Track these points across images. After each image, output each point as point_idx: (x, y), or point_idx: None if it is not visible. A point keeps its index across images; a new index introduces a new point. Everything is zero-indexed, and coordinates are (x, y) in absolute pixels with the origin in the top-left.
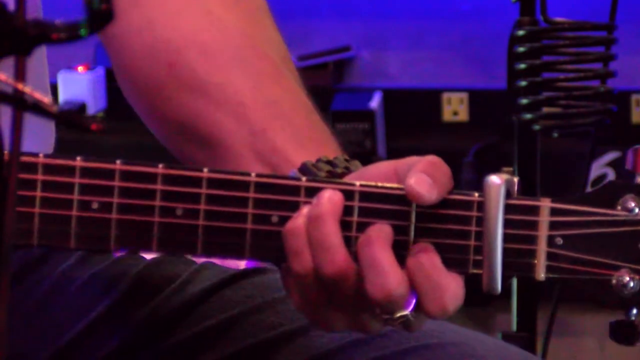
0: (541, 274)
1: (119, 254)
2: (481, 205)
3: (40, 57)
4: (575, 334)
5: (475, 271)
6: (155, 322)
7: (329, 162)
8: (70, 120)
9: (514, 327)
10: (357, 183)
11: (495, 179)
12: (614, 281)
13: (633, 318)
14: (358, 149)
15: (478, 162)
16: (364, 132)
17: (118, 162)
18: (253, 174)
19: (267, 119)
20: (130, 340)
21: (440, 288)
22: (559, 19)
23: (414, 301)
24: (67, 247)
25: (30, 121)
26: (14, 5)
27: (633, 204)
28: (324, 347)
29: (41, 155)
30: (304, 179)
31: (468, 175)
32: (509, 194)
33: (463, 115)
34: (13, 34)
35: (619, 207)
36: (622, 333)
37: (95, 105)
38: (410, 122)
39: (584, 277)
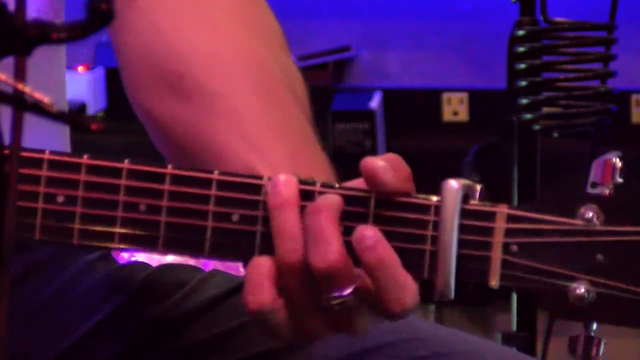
0: (495, 281)
1: (123, 261)
2: (438, 209)
3: (59, 59)
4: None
5: (429, 276)
6: (161, 327)
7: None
8: (70, 120)
9: (514, 327)
10: (318, 184)
11: (452, 183)
12: (570, 292)
13: (592, 334)
14: (358, 149)
15: (478, 162)
16: (364, 132)
17: (85, 156)
18: (216, 172)
19: (262, 134)
20: (135, 345)
21: (402, 286)
22: (559, 19)
23: (354, 286)
24: (32, 239)
25: (44, 124)
26: (14, 5)
27: (591, 214)
28: (332, 356)
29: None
30: (318, 185)
31: (468, 175)
32: (467, 199)
33: (463, 115)
34: (13, 34)
35: (578, 217)
36: (583, 349)
37: (95, 105)
38: (410, 122)
39: (538, 286)
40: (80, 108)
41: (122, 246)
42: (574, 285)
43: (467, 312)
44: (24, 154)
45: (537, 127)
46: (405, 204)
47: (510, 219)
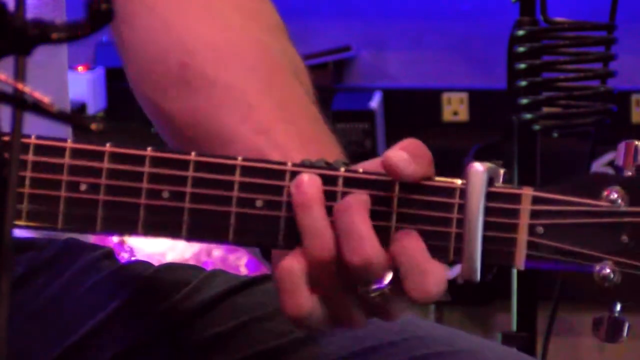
0: (521, 263)
1: (127, 260)
2: (463, 193)
3: (61, 58)
4: (575, 334)
5: (455, 259)
6: (164, 326)
7: (327, 164)
8: (70, 120)
9: (514, 327)
10: (342, 169)
11: (478, 166)
12: (595, 273)
13: (617, 314)
14: (358, 149)
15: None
16: (364, 132)
17: (108, 144)
18: (240, 158)
19: (272, 120)
20: (139, 343)
21: (424, 272)
22: (559, 19)
23: (390, 275)
24: (54, 228)
25: (44, 123)
26: (14, 5)
27: (616, 195)
28: (334, 355)
29: (33, 136)
30: (342, 169)
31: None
32: (492, 183)
33: (463, 115)
34: (13, 34)
35: (603, 198)
36: (606, 330)
37: (95, 105)
38: (410, 122)
39: (564, 267)
40: (80, 108)
41: (145, 234)
42: (599, 266)
43: (467, 312)
44: (47, 142)
45: (537, 127)
46: (429, 187)
47: (536, 200)
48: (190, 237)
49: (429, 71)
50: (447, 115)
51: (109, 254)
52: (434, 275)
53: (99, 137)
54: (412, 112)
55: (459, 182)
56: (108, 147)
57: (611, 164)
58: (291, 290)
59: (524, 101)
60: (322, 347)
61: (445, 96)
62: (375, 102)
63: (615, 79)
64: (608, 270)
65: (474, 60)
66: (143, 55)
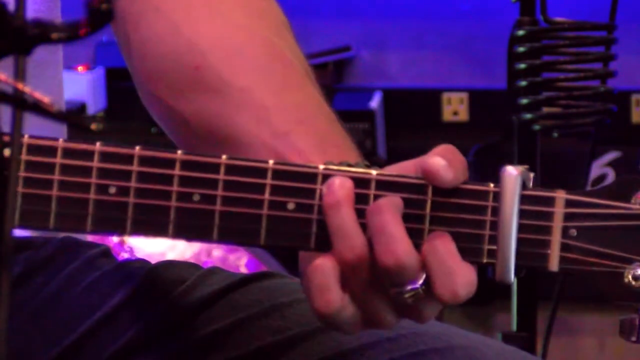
0: (555, 265)
1: (124, 258)
2: (497, 196)
3: (56, 59)
4: (575, 333)
5: (489, 261)
6: (162, 323)
7: (349, 166)
8: (70, 120)
9: (514, 327)
10: (374, 172)
11: (512, 170)
12: (626, 274)
13: None
14: (358, 149)
15: (478, 162)
16: (364, 132)
17: (137, 147)
18: (271, 162)
19: (291, 123)
20: (137, 341)
21: (453, 273)
22: (559, 19)
23: (423, 276)
24: (83, 230)
25: (40, 124)
26: (14, 5)
27: None
28: (331, 351)
29: (61, 140)
30: (374, 172)
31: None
32: (524, 186)
33: (463, 115)
34: (13, 34)
35: (634, 201)
36: (638, 330)
37: (95, 105)
38: (410, 122)
39: (596, 269)
40: (80, 108)
41: (176, 237)
42: (631, 267)
43: (467, 312)
44: (76, 145)
45: (537, 127)
46: (462, 190)
47: (569, 203)
48: (221, 239)
49: (429, 71)
50: (447, 115)
51: (107, 252)
52: (462, 277)
53: (99, 137)
54: (412, 112)
55: (492, 185)
56: (137, 151)
57: (611, 164)
58: (321, 287)
59: (524, 101)
60: (319, 343)
61: (445, 96)
62: (375, 102)
63: (615, 79)
64: None
65: (474, 60)
66: (153, 54)
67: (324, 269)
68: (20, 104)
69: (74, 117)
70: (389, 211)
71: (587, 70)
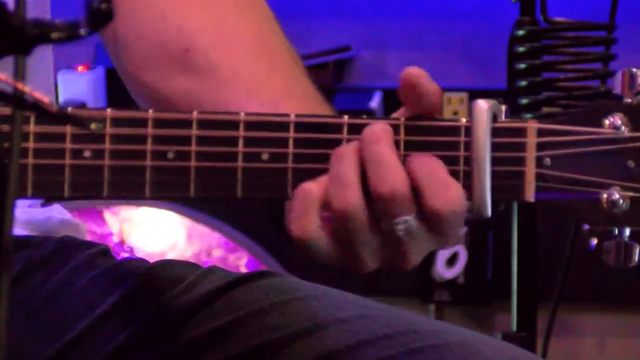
0: (531, 196)
1: (123, 256)
2: (469, 130)
3: (46, 59)
4: (575, 334)
5: (465, 196)
6: (160, 321)
7: None
8: (70, 120)
9: (514, 327)
10: (345, 117)
11: (482, 103)
12: (603, 199)
13: (627, 239)
14: None
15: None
16: None
17: (109, 110)
18: (242, 114)
19: (282, 97)
20: (135, 339)
21: (445, 183)
22: (559, 19)
23: (415, 210)
24: (61, 197)
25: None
26: (14, 5)
27: (620, 122)
28: (329, 348)
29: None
30: (346, 117)
31: None
32: (496, 119)
33: (463, 115)
34: (13, 34)
35: (607, 126)
36: (616, 254)
37: (95, 105)
38: None
39: (573, 196)
40: (80, 108)
41: (153, 197)
42: (607, 192)
43: (467, 312)
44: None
45: None
46: (434, 127)
47: (541, 133)
48: (198, 195)
49: (429, 71)
50: (447, 115)
51: (105, 251)
52: (455, 188)
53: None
54: None
55: (463, 120)
56: (108, 112)
57: None
58: (301, 212)
59: (524, 101)
60: (318, 340)
61: (445, 96)
62: (375, 102)
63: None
64: (617, 196)
65: (474, 60)
66: (142, 43)
67: (307, 195)
68: (20, 104)
69: (74, 116)
70: (383, 139)
71: (587, 70)
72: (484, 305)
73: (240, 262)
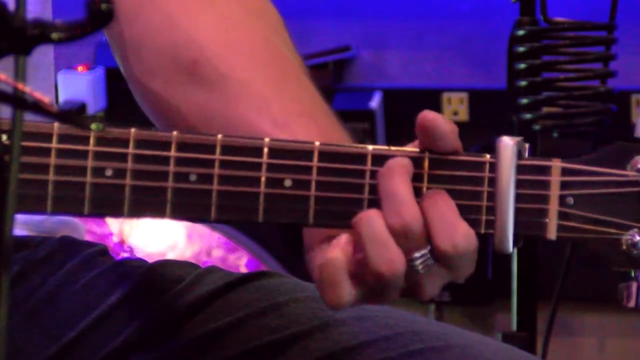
0: (553, 234)
1: (123, 256)
2: (493, 166)
3: (46, 59)
4: (575, 334)
5: (487, 231)
6: (160, 322)
7: None
8: (70, 120)
9: (514, 326)
10: (370, 147)
11: (508, 140)
12: (623, 241)
13: None
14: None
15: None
16: (364, 132)
17: (132, 130)
18: (266, 139)
19: (292, 114)
20: (134, 339)
21: (453, 225)
22: (559, 19)
23: (429, 246)
24: (81, 213)
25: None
26: (14, 5)
27: None
28: (329, 350)
29: (56, 124)
30: (370, 147)
31: None
32: (520, 156)
33: (463, 115)
34: (13, 34)
35: (629, 168)
36: (636, 295)
37: (95, 105)
38: (410, 122)
39: (594, 236)
40: (80, 108)
41: (174, 217)
42: (628, 234)
43: (467, 312)
44: (73, 130)
45: (537, 127)
46: (458, 162)
47: (565, 172)
48: (220, 218)
49: (429, 71)
50: (447, 115)
51: (104, 251)
52: (463, 229)
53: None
54: (412, 112)
55: (487, 156)
56: (134, 132)
57: None
58: (332, 282)
59: (524, 101)
60: (317, 342)
61: (445, 96)
62: (375, 102)
63: (615, 79)
64: (638, 238)
65: (474, 60)
66: (149, 48)
67: (335, 263)
68: (20, 104)
69: (74, 117)
70: (398, 174)
71: (587, 70)
72: (484, 305)
73: (240, 262)
